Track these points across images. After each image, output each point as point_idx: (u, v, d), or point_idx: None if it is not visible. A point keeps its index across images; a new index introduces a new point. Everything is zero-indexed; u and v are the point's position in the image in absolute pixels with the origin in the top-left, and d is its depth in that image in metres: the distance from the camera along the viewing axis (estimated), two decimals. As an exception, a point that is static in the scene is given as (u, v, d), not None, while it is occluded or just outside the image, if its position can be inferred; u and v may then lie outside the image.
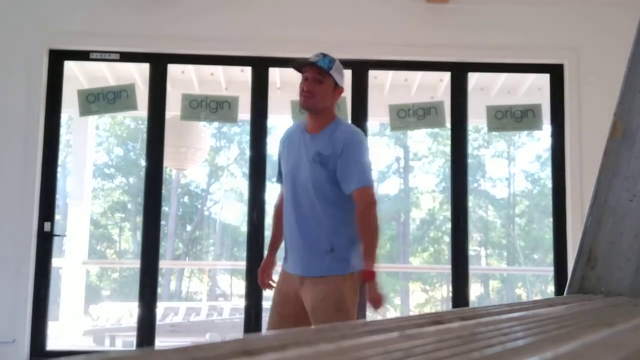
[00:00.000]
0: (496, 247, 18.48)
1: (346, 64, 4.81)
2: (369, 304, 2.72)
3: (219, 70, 6.50)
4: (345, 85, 2.86)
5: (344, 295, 2.67)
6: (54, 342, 4.74)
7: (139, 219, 16.58)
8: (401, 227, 17.88)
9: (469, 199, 4.96)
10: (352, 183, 2.65)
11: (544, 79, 5.27)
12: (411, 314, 11.22)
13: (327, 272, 2.70)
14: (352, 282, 2.71)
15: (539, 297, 15.86)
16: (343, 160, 2.65)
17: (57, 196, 4.77)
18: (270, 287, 2.99)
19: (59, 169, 4.78)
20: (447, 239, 15.83)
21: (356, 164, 2.65)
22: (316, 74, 2.72)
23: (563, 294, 1.83)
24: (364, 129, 4.84)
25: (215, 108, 4.74)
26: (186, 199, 18.15)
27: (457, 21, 4.74)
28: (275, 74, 6.53)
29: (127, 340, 6.07)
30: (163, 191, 4.86)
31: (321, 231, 2.71)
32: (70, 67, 6.50)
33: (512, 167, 18.72)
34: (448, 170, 5.02)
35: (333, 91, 2.77)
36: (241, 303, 5.60)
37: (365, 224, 2.67)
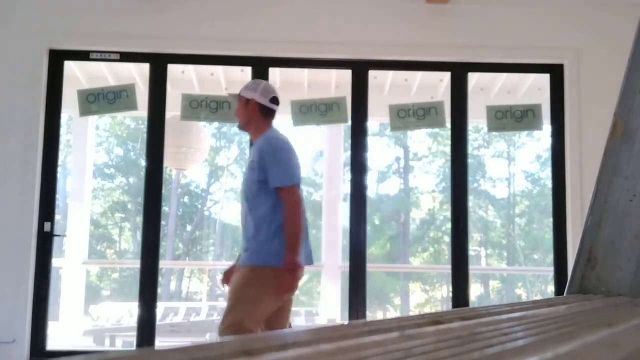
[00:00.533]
0: (496, 247, 18.48)
1: (346, 64, 4.84)
2: (280, 289, 2.95)
3: (219, 70, 6.50)
4: (259, 96, 3.16)
5: (246, 284, 2.95)
6: (54, 342, 4.74)
7: (139, 219, 16.58)
8: (401, 227, 17.88)
9: (469, 199, 4.96)
10: (274, 183, 2.97)
11: (544, 79, 5.27)
12: (411, 314, 11.22)
13: (244, 263, 3.04)
14: (261, 274, 2.95)
15: (539, 297, 15.87)
16: (264, 166, 3.01)
17: (57, 196, 4.76)
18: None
19: (59, 169, 4.78)
20: (447, 239, 15.83)
21: (275, 167, 2.98)
22: (236, 101, 3.28)
23: (563, 294, 1.83)
24: (363, 129, 4.84)
25: (215, 108, 4.74)
26: (186, 199, 18.16)
27: (457, 21, 4.74)
28: (275, 74, 6.53)
29: (127, 340, 6.07)
30: (163, 191, 4.86)
31: (247, 228, 3.07)
32: (70, 67, 6.51)
33: (512, 167, 18.72)
34: (448, 170, 5.02)
35: (246, 106, 3.15)
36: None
37: (287, 220, 2.93)
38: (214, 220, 17.94)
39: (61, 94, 4.72)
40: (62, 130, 5.02)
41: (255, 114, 3.15)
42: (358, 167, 4.82)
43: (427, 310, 17.09)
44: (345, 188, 7.25)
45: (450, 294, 4.85)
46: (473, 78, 6.17)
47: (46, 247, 4.52)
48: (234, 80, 6.68)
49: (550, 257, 5.44)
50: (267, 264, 2.95)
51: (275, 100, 3.22)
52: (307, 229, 3.09)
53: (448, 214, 5.00)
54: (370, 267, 11.48)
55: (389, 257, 17.31)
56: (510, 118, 4.79)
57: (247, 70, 5.07)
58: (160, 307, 6.80)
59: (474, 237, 17.43)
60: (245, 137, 15.66)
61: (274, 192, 2.96)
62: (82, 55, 4.86)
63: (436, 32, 4.73)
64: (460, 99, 4.82)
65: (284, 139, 3.17)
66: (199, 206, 18.18)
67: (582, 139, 4.64)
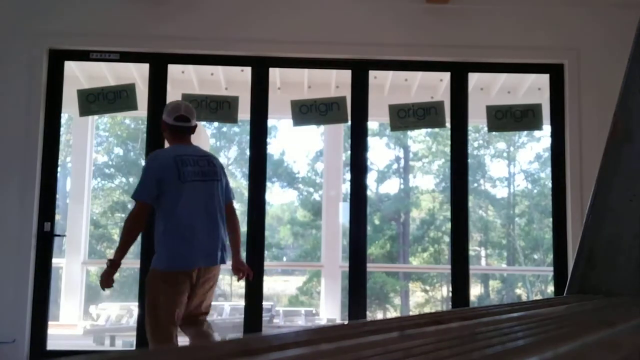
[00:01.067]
0: (496, 247, 18.47)
1: (346, 64, 4.84)
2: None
3: (219, 70, 6.50)
4: (165, 116, 3.50)
5: (145, 283, 3.40)
6: (54, 342, 4.73)
7: (139, 219, 16.58)
8: (401, 227, 17.87)
9: (469, 199, 4.96)
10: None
11: (544, 79, 5.27)
12: (411, 314, 11.22)
13: None
14: (151, 276, 3.35)
15: (539, 297, 15.86)
16: None
17: (57, 196, 4.77)
18: None
19: (59, 169, 4.78)
20: (447, 239, 15.82)
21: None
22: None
23: (563, 294, 1.83)
24: (364, 129, 4.84)
25: (215, 108, 4.74)
26: (186, 199, 18.12)
27: (457, 21, 4.74)
28: (275, 74, 6.53)
29: (127, 340, 6.07)
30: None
31: None
32: (71, 68, 6.51)
33: (512, 167, 18.71)
34: (448, 170, 5.02)
35: (162, 126, 3.55)
36: (241, 303, 5.60)
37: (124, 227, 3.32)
38: (214, 220, 17.93)
39: (61, 94, 4.72)
40: (62, 130, 5.02)
41: (165, 132, 3.55)
42: (358, 167, 4.82)
43: (427, 310, 17.08)
44: (345, 188, 7.26)
45: (450, 294, 4.85)
46: (473, 78, 6.17)
47: (46, 247, 4.52)
48: (234, 80, 6.68)
49: (550, 257, 5.44)
50: (153, 267, 3.35)
51: (180, 118, 3.42)
52: (205, 230, 3.30)
53: (448, 214, 5.00)
54: (370, 267, 11.49)
55: (389, 257, 17.30)
56: (510, 118, 4.79)
57: (247, 70, 5.07)
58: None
59: (474, 237, 17.42)
60: (246, 137, 15.65)
61: (157, 204, 3.30)
62: (82, 55, 4.86)
63: (436, 32, 4.73)
64: (460, 99, 4.82)
65: (155, 155, 3.43)
66: (199, 206, 18.16)
67: (582, 139, 4.64)
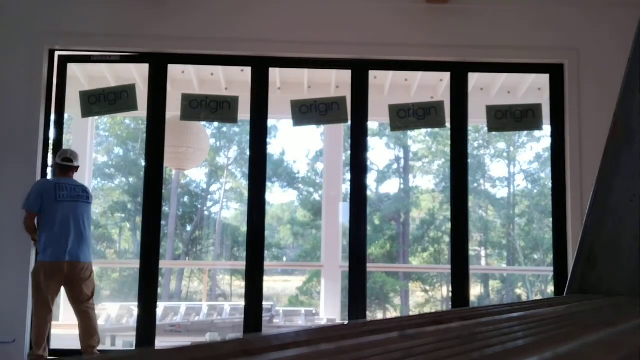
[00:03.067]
0: (496, 247, 18.47)
1: (346, 64, 4.84)
2: None
3: (219, 70, 6.49)
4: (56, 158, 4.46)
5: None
6: (54, 342, 4.73)
7: (139, 219, 16.58)
8: (401, 227, 17.87)
9: (469, 199, 4.96)
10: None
11: (544, 79, 5.27)
12: (411, 314, 11.22)
13: None
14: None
15: (539, 297, 15.86)
16: None
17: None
18: None
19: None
20: (447, 239, 15.81)
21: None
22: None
23: (563, 294, 1.83)
24: (364, 129, 4.84)
25: (215, 108, 4.74)
26: (186, 199, 18.15)
27: (457, 21, 4.74)
28: (275, 74, 6.53)
29: (127, 340, 6.07)
30: (163, 191, 4.86)
31: None
32: (72, 68, 6.51)
33: (512, 167, 18.72)
34: (448, 170, 5.02)
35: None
36: (241, 303, 5.60)
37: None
38: (214, 220, 17.94)
39: (64, 97, 4.73)
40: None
41: (55, 169, 4.55)
42: (358, 167, 4.81)
43: (427, 310, 17.08)
44: (345, 188, 7.26)
45: (450, 294, 4.85)
46: (473, 78, 6.17)
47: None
48: (234, 80, 6.68)
49: (550, 257, 5.44)
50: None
51: (65, 159, 4.47)
52: (63, 231, 4.26)
53: (448, 214, 5.00)
54: (370, 267, 11.48)
55: (389, 257, 17.30)
56: (510, 118, 4.79)
57: (247, 70, 5.07)
58: (160, 307, 6.80)
59: (474, 237, 17.42)
60: (246, 137, 15.64)
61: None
62: (85, 58, 4.87)
63: (436, 32, 4.73)
64: (460, 99, 4.82)
65: (41, 181, 4.50)
66: (199, 206, 18.18)
67: (582, 139, 4.64)
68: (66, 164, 4.48)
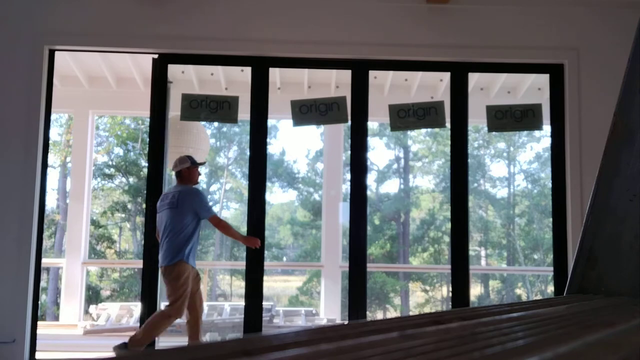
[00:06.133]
0: (496, 247, 18.47)
1: (346, 64, 4.84)
2: None
3: (219, 70, 6.50)
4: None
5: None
6: (54, 342, 4.73)
7: (139, 219, 16.56)
8: (401, 227, 17.87)
9: (469, 199, 4.96)
10: None
11: (544, 79, 5.27)
12: (411, 314, 11.21)
13: None
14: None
15: (539, 297, 15.85)
16: None
17: (57, 196, 4.77)
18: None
19: (59, 169, 4.79)
20: (447, 239, 15.81)
21: None
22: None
23: (563, 294, 1.83)
24: (364, 129, 4.84)
25: (215, 108, 4.74)
26: (186, 199, 18.14)
27: (457, 21, 4.74)
28: (275, 74, 6.53)
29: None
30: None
31: None
32: (71, 67, 6.51)
33: (512, 167, 18.72)
34: (448, 170, 5.02)
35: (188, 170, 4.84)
36: (241, 303, 5.60)
37: None
38: (214, 220, 17.92)
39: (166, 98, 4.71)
40: (62, 130, 5.02)
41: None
42: (358, 167, 4.81)
43: (427, 310, 17.07)
44: (345, 188, 7.26)
45: (450, 294, 4.85)
46: (473, 78, 6.17)
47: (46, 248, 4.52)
48: (234, 80, 6.68)
49: (550, 257, 5.44)
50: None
51: (173, 170, 4.87)
52: (160, 239, 4.60)
53: (448, 214, 5.00)
54: (370, 267, 11.47)
55: (389, 257, 17.30)
56: (510, 118, 4.79)
57: (247, 70, 5.07)
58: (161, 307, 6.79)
59: (474, 237, 17.42)
60: (246, 137, 15.62)
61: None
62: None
63: (436, 32, 4.73)
64: (460, 99, 4.82)
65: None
66: (199, 206, 18.17)
67: (582, 139, 4.63)
68: (174, 172, 4.82)
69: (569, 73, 4.72)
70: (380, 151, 18.18)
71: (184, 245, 4.57)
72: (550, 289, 7.36)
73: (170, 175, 5.25)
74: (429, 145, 18.47)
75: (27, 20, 4.58)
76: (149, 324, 4.41)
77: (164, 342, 5.35)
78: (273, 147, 17.85)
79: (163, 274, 4.55)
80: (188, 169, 4.78)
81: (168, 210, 4.60)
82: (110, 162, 17.04)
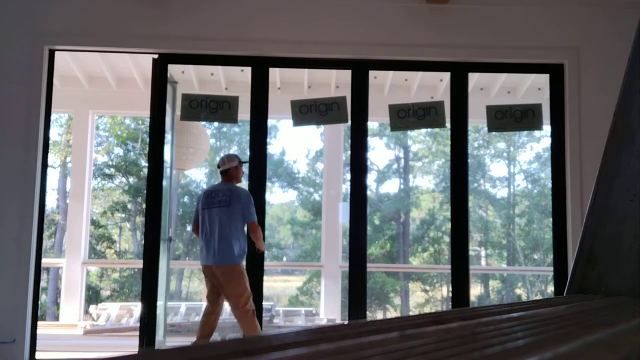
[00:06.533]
0: (496, 247, 18.48)
1: (346, 64, 4.84)
2: None
3: (219, 70, 6.50)
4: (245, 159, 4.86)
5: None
6: (54, 342, 4.73)
7: (139, 219, 16.56)
8: (401, 227, 17.87)
9: (469, 199, 4.96)
10: None
11: (544, 79, 5.27)
12: (411, 314, 11.20)
13: None
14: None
15: (539, 297, 15.84)
16: None
17: (57, 196, 4.77)
18: None
19: (59, 169, 4.79)
20: (447, 239, 15.81)
21: None
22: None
23: (563, 294, 1.83)
24: (364, 129, 4.84)
25: (215, 108, 4.74)
26: (186, 199, 18.16)
27: (457, 21, 4.74)
28: (275, 74, 6.53)
29: (127, 341, 6.06)
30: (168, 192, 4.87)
31: None
32: (71, 67, 6.51)
33: (512, 167, 18.72)
34: (448, 170, 5.02)
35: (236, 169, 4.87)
36: (241, 303, 5.59)
37: None
38: (214, 220, 17.93)
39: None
40: (62, 130, 5.02)
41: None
42: (358, 167, 4.81)
43: (427, 310, 17.07)
44: (345, 188, 7.25)
45: (450, 294, 4.85)
46: (473, 78, 6.17)
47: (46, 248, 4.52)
48: (234, 80, 6.68)
49: (550, 257, 5.44)
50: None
51: (219, 166, 4.86)
52: (207, 238, 4.65)
53: (448, 214, 5.00)
54: (370, 267, 11.47)
55: (389, 257, 17.30)
56: (510, 118, 4.79)
57: (247, 70, 5.07)
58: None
59: (474, 237, 17.42)
60: (246, 137, 15.62)
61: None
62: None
63: (436, 32, 4.73)
64: (460, 99, 4.82)
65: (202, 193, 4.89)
66: (199, 206, 18.18)
67: (582, 139, 4.64)
68: (220, 170, 4.84)
69: (569, 73, 4.72)
70: (380, 151, 18.20)
71: (241, 244, 4.60)
72: (550, 289, 7.36)
73: (170, 175, 5.24)
74: (429, 145, 18.47)
75: (27, 20, 4.58)
76: (248, 331, 4.52)
77: (170, 342, 5.35)
78: (273, 147, 17.86)
79: (221, 274, 4.55)
80: (235, 168, 4.82)
81: (218, 209, 4.62)
82: (110, 162, 17.04)
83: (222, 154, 4.79)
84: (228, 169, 4.78)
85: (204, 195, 4.75)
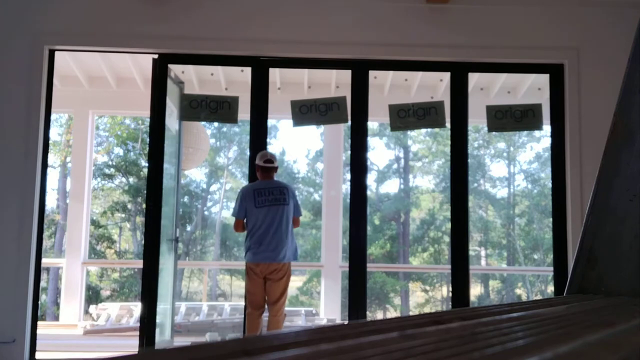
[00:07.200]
0: (496, 247, 18.47)
1: (346, 64, 4.84)
2: None
3: (219, 70, 6.50)
4: (257, 160, 4.64)
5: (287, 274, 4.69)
6: (54, 342, 4.73)
7: (139, 219, 16.56)
8: (401, 227, 17.87)
9: (469, 199, 4.95)
10: None
11: (544, 79, 5.27)
12: (411, 314, 11.20)
13: None
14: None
15: (539, 297, 15.84)
16: None
17: (57, 196, 4.77)
18: None
19: (59, 169, 4.79)
20: (447, 239, 15.81)
21: None
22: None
23: (563, 294, 1.83)
24: (364, 129, 4.84)
25: (215, 108, 4.74)
26: (186, 199, 18.16)
27: (457, 21, 4.74)
28: (275, 74, 6.53)
29: (127, 341, 6.07)
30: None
31: None
32: (71, 67, 6.51)
33: (512, 167, 18.72)
34: (448, 170, 5.02)
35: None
36: (241, 303, 5.60)
37: None
38: (214, 220, 17.95)
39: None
40: (62, 130, 5.02)
41: (257, 171, 4.66)
42: (358, 167, 4.81)
43: (427, 310, 17.07)
44: (345, 188, 7.25)
45: (450, 294, 4.85)
46: (473, 78, 6.17)
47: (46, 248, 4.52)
48: (234, 80, 6.68)
49: (550, 257, 5.44)
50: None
51: (267, 161, 4.61)
52: (262, 236, 4.51)
53: (448, 214, 5.00)
54: (370, 267, 11.47)
55: (389, 257, 17.30)
56: (510, 118, 4.79)
57: (247, 70, 5.07)
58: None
59: (474, 237, 17.41)
60: (246, 137, 15.62)
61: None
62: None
63: (436, 32, 4.73)
64: (460, 99, 4.82)
65: (244, 187, 4.70)
66: (199, 206, 18.19)
67: (582, 139, 4.64)
68: (268, 165, 4.65)
69: (569, 73, 4.72)
70: (380, 151, 18.19)
71: (294, 242, 4.63)
72: (550, 289, 7.36)
73: (177, 175, 5.23)
74: (429, 145, 18.46)
75: (27, 20, 4.58)
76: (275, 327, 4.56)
77: (178, 341, 5.35)
78: (273, 147, 17.85)
79: (279, 271, 4.52)
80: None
81: (276, 207, 4.55)
82: (110, 162, 17.04)
83: (262, 151, 4.71)
84: (276, 167, 4.71)
85: (255, 193, 4.59)
